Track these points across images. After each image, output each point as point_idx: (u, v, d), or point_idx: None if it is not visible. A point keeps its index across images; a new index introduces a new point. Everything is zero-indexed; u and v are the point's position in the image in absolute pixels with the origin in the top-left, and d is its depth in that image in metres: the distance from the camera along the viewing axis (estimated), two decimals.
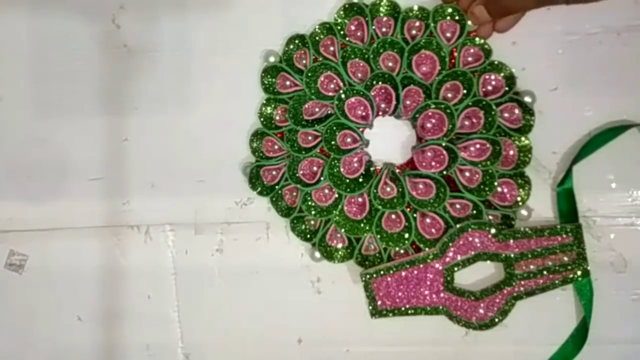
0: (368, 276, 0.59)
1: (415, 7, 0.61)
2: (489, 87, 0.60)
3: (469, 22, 0.60)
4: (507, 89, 0.60)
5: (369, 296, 0.59)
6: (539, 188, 0.61)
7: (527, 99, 0.60)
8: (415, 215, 0.60)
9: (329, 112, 0.61)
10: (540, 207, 0.61)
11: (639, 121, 0.60)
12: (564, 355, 0.60)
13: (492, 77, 0.60)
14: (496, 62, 0.60)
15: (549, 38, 0.61)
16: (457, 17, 0.60)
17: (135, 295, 0.64)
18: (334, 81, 0.61)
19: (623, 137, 0.60)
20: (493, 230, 0.58)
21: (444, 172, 0.59)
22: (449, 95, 0.60)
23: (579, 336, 0.60)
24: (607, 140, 0.60)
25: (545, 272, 0.58)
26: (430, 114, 0.60)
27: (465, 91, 0.60)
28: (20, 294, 0.65)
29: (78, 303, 0.65)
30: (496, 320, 0.59)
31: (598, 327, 0.59)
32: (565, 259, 0.58)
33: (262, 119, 0.62)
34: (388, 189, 0.60)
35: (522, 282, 0.59)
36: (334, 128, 0.60)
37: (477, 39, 0.60)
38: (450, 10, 0.60)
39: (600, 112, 0.61)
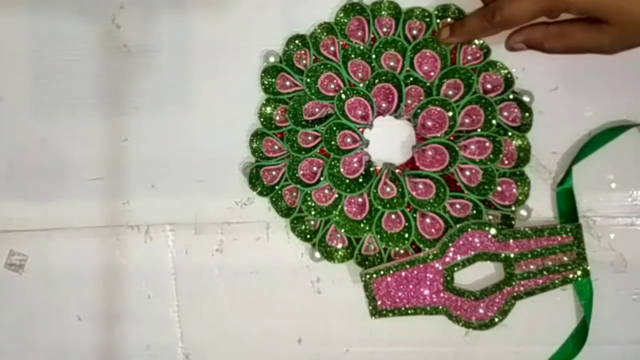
0: (368, 276, 0.59)
1: (416, 9, 0.61)
2: (488, 86, 0.60)
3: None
4: (505, 87, 0.60)
5: (368, 296, 0.59)
6: (539, 188, 0.61)
7: (526, 99, 0.60)
8: (415, 215, 0.60)
9: (329, 112, 0.61)
10: (540, 207, 0.61)
11: (639, 121, 0.60)
12: (564, 355, 0.60)
13: (492, 76, 0.60)
14: (495, 61, 0.60)
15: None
16: (458, 17, 0.60)
17: (135, 295, 0.64)
18: (334, 81, 0.61)
19: (623, 137, 0.60)
20: (493, 231, 0.58)
21: (445, 171, 0.59)
22: (450, 92, 0.60)
23: (579, 336, 0.60)
24: (607, 140, 0.60)
25: (545, 272, 0.58)
26: (430, 111, 0.60)
27: (465, 88, 0.60)
28: (20, 294, 0.65)
29: (78, 303, 0.65)
30: (496, 320, 0.59)
31: (598, 327, 0.59)
32: (565, 259, 0.58)
33: (262, 119, 0.62)
34: (388, 189, 0.60)
35: (522, 282, 0.59)
36: (334, 128, 0.60)
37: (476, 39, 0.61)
38: (452, 9, 0.60)
39: (600, 112, 0.61)
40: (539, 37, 0.57)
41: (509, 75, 0.60)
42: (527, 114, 0.60)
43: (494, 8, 0.56)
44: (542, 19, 0.56)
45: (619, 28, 0.53)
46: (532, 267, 0.58)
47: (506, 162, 0.60)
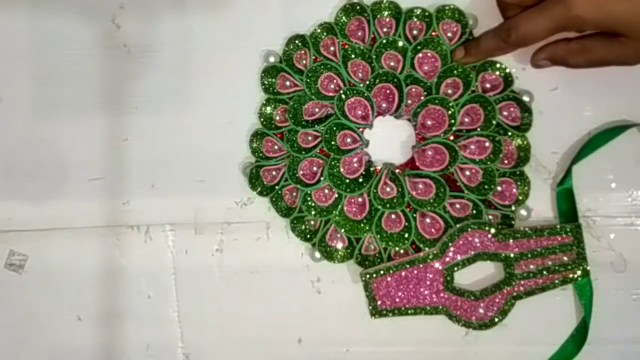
0: (368, 276, 0.59)
1: (417, 9, 0.61)
2: (487, 85, 0.60)
3: (470, 22, 0.60)
4: (504, 87, 0.60)
5: (368, 296, 0.59)
6: (539, 188, 0.61)
7: (525, 98, 0.60)
8: (415, 215, 0.60)
9: (329, 112, 0.61)
10: (540, 207, 0.61)
11: (639, 121, 0.60)
12: (564, 355, 0.60)
13: (491, 76, 0.60)
14: (494, 61, 0.60)
15: (549, 38, 0.61)
16: (458, 17, 0.60)
17: (135, 295, 0.64)
18: (334, 81, 0.61)
19: (623, 137, 0.60)
20: (493, 230, 0.58)
21: (445, 171, 0.59)
22: (449, 91, 0.60)
23: (579, 336, 0.60)
24: (607, 140, 0.60)
25: (545, 272, 0.58)
26: (430, 110, 0.60)
27: (464, 87, 0.60)
28: (20, 294, 0.65)
29: (78, 303, 0.65)
30: (496, 320, 0.59)
31: (598, 327, 0.59)
32: (565, 258, 0.58)
33: (262, 119, 0.62)
34: (388, 189, 0.60)
35: (522, 282, 0.59)
36: (334, 128, 0.60)
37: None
38: (451, 10, 0.60)
39: (600, 112, 0.61)
40: (562, 53, 0.57)
41: (508, 75, 0.60)
42: (526, 114, 0.60)
43: (509, 27, 0.57)
44: (563, 34, 0.57)
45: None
46: (532, 267, 0.58)
47: (506, 162, 0.60)
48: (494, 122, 0.59)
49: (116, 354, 0.65)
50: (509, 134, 0.60)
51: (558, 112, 0.61)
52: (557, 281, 0.59)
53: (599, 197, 0.61)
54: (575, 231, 0.58)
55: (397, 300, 0.59)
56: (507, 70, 0.60)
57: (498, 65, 0.60)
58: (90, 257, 0.65)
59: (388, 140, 0.62)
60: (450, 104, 0.59)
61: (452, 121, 0.59)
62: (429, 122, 0.60)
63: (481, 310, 0.59)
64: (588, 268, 0.59)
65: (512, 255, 0.58)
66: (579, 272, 0.58)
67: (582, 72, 0.60)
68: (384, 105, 0.61)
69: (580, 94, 0.61)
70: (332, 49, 0.62)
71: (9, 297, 0.65)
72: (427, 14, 0.61)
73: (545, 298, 0.59)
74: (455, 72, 0.60)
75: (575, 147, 0.61)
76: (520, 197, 0.60)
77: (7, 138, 0.65)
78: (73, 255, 0.65)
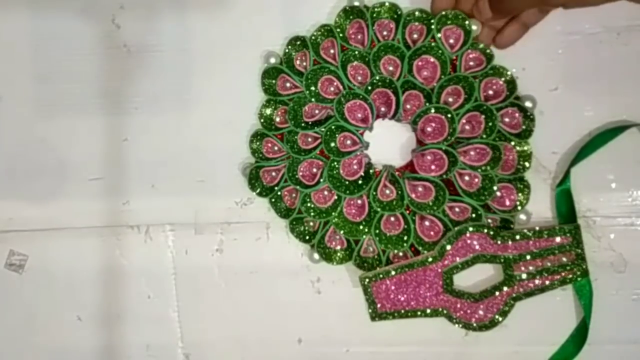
0: (367, 280, 0.59)
1: (417, 12, 0.60)
2: (490, 92, 0.60)
3: (474, 27, 0.59)
4: (508, 93, 0.60)
5: (368, 300, 0.59)
6: (539, 188, 0.61)
7: (528, 104, 0.60)
8: (414, 217, 0.60)
9: (329, 114, 0.61)
10: (539, 207, 0.61)
11: (639, 121, 0.60)
12: (564, 355, 0.60)
13: (493, 81, 0.60)
14: (497, 67, 0.60)
15: (549, 38, 0.61)
16: (460, 23, 0.60)
17: (135, 295, 0.65)
18: (334, 84, 0.61)
19: (623, 137, 0.60)
20: (492, 233, 0.58)
21: (444, 176, 0.59)
22: (450, 99, 0.60)
23: (579, 336, 0.60)
24: (607, 140, 0.60)
25: (544, 273, 0.58)
26: (430, 118, 0.59)
27: (466, 96, 0.59)
28: (20, 294, 0.65)
29: (78, 303, 0.65)
30: (496, 320, 0.59)
31: (598, 327, 0.59)
32: (564, 259, 0.58)
33: (262, 120, 0.62)
34: (387, 192, 0.60)
35: (521, 283, 0.58)
36: (334, 130, 0.60)
37: (480, 43, 0.60)
38: (452, 13, 0.60)
39: (600, 112, 0.61)
40: None
41: (510, 81, 0.60)
42: (528, 121, 0.59)
43: None
44: None
45: None
46: (531, 268, 0.58)
47: (506, 168, 0.59)
48: (495, 129, 0.59)
49: (116, 354, 0.65)
50: (512, 143, 0.59)
51: (558, 112, 0.61)
52: (556, 282, 0.58)
53: (599, 197, 0.61)
54: (574, 232, 0.58)
55: (397, 303, 0.59)
56: (511, 76, 0.59)
57: (501, 72, 0.60)
58: (90, 257, 0.65)
59: (388, 142, 0.62)
60: (451, 113, 0.59)
61: (452, 130, 0.59)
62: (429, 129, 0.60)
63: (481, 312, 0.59)
64: (587, 268, 0.58)
65: (511, 257, 0.58)
66: (578, 273, 0.58)
67: (582, 72, 0.60)
68: (382, 109, 0.61)
69: (580, 94, 0.61)
70: (331, 52, 0.61)
71: (9, 297, 0.66)
72: (426, 15, 0.60)
73: (545, 298, 0.59)
74: (458, 81, 0.59)
75: (575, 147, 0.60)
76: (520, 202, 0.59)
77: (7, 138, 0.65)
78: (73, 255, 0.65)
